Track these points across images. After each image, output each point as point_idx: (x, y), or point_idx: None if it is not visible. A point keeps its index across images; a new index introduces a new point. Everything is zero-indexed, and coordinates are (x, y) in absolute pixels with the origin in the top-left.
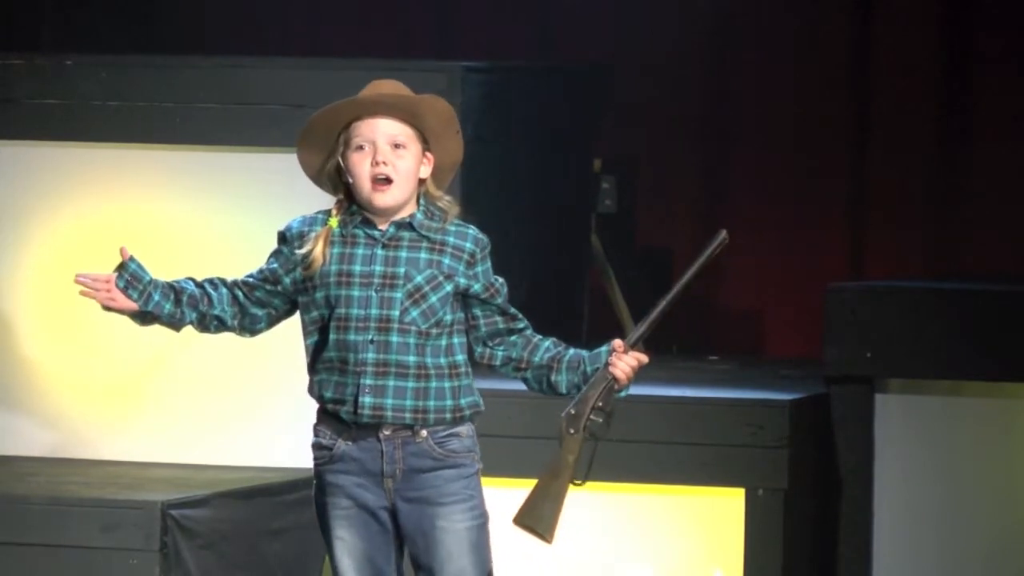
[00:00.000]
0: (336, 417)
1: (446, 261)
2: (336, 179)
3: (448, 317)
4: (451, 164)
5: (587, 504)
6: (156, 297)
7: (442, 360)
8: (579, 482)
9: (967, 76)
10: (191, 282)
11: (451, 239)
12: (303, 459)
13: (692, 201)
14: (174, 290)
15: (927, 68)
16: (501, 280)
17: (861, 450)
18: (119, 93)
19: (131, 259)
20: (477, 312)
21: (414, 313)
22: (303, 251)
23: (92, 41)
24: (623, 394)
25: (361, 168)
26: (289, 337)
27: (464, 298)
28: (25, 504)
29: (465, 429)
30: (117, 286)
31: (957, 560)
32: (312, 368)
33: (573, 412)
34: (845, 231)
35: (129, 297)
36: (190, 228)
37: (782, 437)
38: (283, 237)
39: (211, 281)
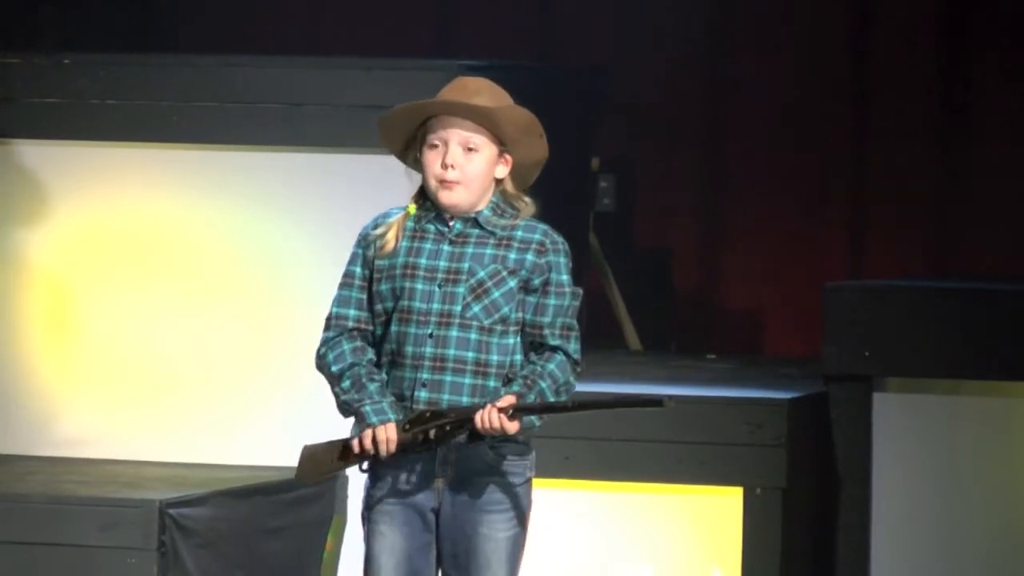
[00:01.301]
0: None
1: (512, 255)
2: (416, 168)
3: (514, 314)
4: (534, 163)
5: (586, 504)
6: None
7: (505, 359)
8: (365, 469)
9: (967, 76)
10: (372, 362)
11: (519, 233)
12: None
13: (691, 200)
14: (385, 387)
15: (927, 68)
16: (576, 290)
17: (859, 449)
18: (117, 92)
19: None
20: (528, 318)
21: (476, 308)
22: (378, 231)
23: (90, 40)
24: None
25: (431, 167)
26: (288, 338)
27: (524, 292)
28: (24, 503)
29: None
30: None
31: (955, 559)
32: (376, 362)
33: (427, 415)
34: (845, 231)
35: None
36: (188, 226)
37: (780, 436)
38: (360, 240)
39: (371, 359)
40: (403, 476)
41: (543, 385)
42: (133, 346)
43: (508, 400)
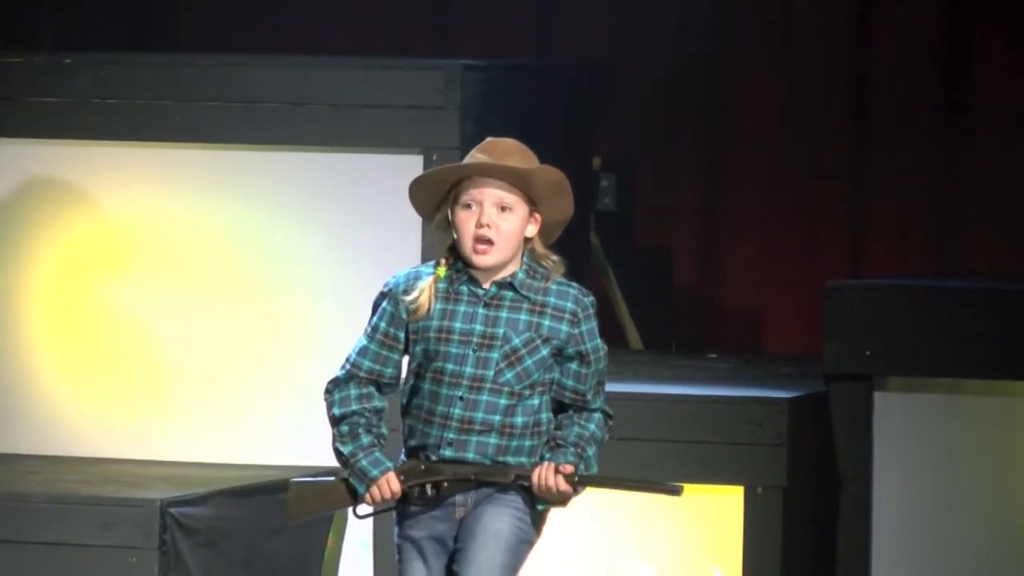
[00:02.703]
0: (417, 459)
1: (546, 323)
2: (446, 228)
3: (542, 378)
4: (560, 222)
5: (587, 504)
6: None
7: (530, 419)
8: (361, 515)
9: (967, 76)
10: (376, 411)
11: (552, 299)
12: (302, 458)
13: (691, 199)
14: (380, 440)
15: (927, 67)
16: (604, 350)
17: (860, 448)
18: (117, 91)
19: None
20: (570, 384)
21: (508, 375)
22: (411, 297)
23: (90, 39)
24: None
25: (466, 227)
26: (289, 337)
27: (557, 358)
28: (24, 502)
29: None
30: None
31: (956, 558)
32: (404, 411)
33: (421, 468)
34: (845, 229)
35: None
36: (189, 226)
37: (781, 435)
38: (388, 295)
39: (376, 408)
40: (428, 516)
41: (590, 452)
42: (133, 345)
43: (570, 468)
